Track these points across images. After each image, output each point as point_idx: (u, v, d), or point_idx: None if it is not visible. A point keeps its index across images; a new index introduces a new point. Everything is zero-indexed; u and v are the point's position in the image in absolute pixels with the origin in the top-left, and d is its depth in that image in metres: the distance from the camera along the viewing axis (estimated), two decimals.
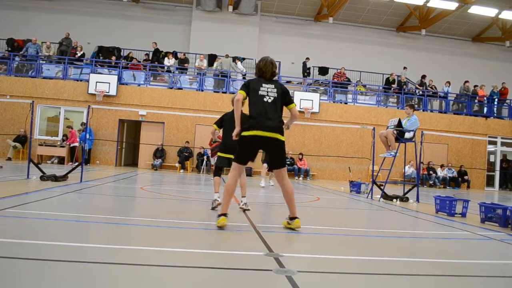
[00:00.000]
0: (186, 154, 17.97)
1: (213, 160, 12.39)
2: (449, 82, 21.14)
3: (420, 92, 21.00)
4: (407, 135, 9.25)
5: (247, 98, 4.52)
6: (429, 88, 21.11)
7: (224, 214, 4.39)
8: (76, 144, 16.44)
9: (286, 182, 4.57)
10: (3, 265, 2.70)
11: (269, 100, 4.46)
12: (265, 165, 11.36)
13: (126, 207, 6.41)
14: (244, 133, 4.43)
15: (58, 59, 19.39)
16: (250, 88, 4.50)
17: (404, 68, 21.77)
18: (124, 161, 19.62)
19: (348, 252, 3.89)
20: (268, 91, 4.49)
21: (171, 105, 18.15)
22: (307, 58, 21.13)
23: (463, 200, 6.98)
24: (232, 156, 5.10)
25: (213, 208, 5.82)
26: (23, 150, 16.93)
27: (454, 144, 20.07)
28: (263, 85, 4.53)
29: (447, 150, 20.02)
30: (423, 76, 21.38)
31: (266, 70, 4.61)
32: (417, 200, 9.29)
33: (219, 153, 6.04)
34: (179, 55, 20.30)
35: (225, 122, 5.97)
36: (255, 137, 4.37)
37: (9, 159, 16.23)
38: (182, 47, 21.98)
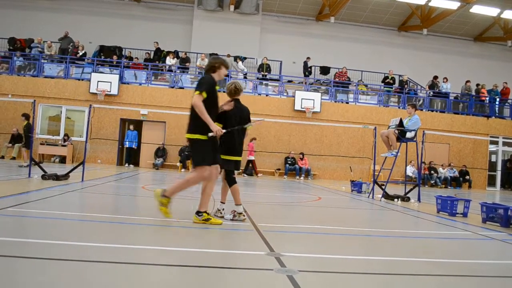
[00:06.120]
0: (187, 153, 17.94)
1: None
2: (446, 78, 21.00)
3: (430, 93, 20.88)
4: (409, 134, 9.23)
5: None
6: (440, 89, 20.94)
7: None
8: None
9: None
10: (4, 264, 2.70)
11: None
12: None
13: (127, 206, 6.42)
14: None
15: (60, 58, 19.40)
16: None
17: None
18: (125, 160, 19.57)
19: (350, 251, 3.89)
20: None
21: (173, 104, 18.13)
22: (308, 58, 21.08)
23: (464, 200, 6.96)
24: None
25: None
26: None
27: (455, 144, 20.03)
28: None
29: (448, 150, 19.98)
30: (435, 77, 21.11)
31: None
32: (419, 200, 9.26)
33: None
34: (180, 55, 20.28)
35: None
36: None
37: (13, 158, 16.27)
38: (184, 47, 21.95)
